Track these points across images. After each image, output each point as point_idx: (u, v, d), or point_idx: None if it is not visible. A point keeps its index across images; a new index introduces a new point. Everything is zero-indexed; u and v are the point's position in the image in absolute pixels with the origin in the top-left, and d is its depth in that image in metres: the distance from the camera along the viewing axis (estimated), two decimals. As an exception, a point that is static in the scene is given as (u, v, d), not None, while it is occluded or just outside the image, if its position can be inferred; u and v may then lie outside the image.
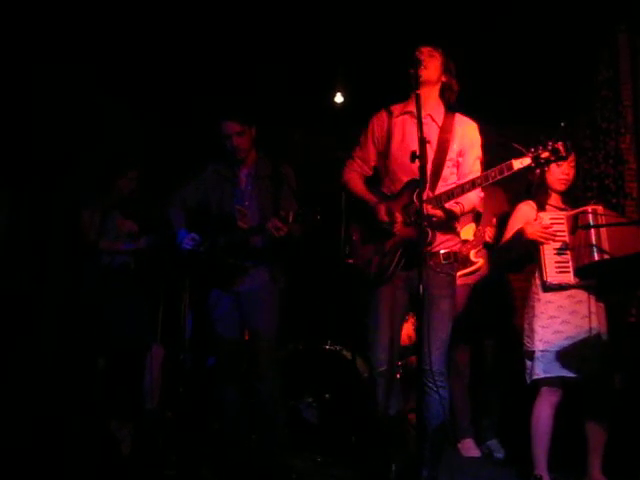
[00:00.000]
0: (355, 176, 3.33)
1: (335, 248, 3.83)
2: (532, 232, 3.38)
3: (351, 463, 3.85)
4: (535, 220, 3.43)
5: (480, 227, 4.32)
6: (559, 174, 3.48)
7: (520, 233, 3.42)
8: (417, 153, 2.81)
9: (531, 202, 3.53)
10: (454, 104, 3.23)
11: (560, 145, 2.80)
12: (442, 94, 3.22)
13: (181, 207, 3.81)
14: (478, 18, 4.46)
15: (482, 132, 3.27)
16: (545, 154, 2.81)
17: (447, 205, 3.02)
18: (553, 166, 3.46)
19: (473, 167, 3.14)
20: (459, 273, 4.26)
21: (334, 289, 4.67)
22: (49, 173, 4.47)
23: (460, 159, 3.17)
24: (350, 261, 3.38)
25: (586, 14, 4.38)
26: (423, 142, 2.83)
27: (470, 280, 4.34)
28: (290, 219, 3.36)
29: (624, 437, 3.55)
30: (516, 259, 3.80)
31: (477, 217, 4.34)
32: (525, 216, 3.51)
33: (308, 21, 4.63)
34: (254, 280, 3.64)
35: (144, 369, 4.24)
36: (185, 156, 5.11)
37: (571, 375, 3.30)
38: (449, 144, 3.13)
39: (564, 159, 2.86)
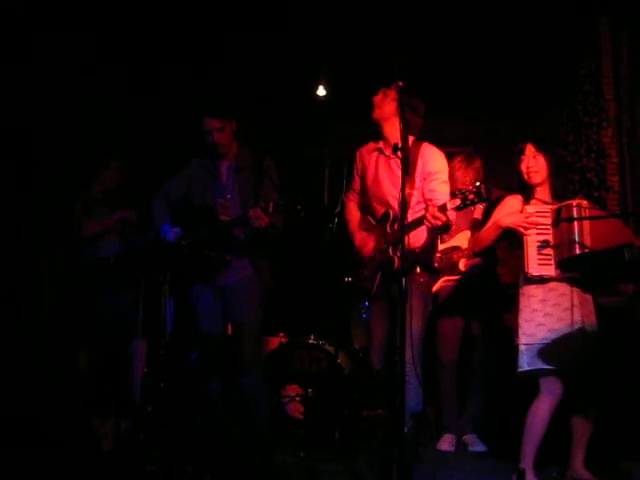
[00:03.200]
0: (352, 206, 3.71)
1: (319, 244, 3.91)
2: (513, 221, 3.38)
3: (334, 458, 3.83)
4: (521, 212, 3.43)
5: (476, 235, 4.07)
6: (524, 168, 3.48)
7: (496, 225, 3.44)
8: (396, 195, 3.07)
9: (519, 196, 3.52)
10: (418, 136, 3.41)
11: (482, 187, 2.98)
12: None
13: (165, 201, 3.79)
14: (462, 12, 4.46)
15: (469, 129, 3.29)
16: (471, 196, 3.00)
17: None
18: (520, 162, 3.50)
19: (439, 187, 3.30)
20: (443, 278, 4.20)
21: (318, 283, 4.66)
22: (33, 168, 4.43)
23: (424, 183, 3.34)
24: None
25: (569, 8, 4.39)
26: (404, 145, 2.90)
27: (452, 283, 4.25)
28: (270, 209, 3.35)
29: (607, 430, 3.56)
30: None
31: (474, 225, 4.17)
32: (511, 208, 3.49)
33: (291, 14, 4.62)
34: (237, 273, 3.62)
35: (128, 364, 4.21)
36: (172, 149, 5.08)
37: (554, 368, 3.29)
38: (415, 171, 3.28)
39: (485, 200, 3.04)
